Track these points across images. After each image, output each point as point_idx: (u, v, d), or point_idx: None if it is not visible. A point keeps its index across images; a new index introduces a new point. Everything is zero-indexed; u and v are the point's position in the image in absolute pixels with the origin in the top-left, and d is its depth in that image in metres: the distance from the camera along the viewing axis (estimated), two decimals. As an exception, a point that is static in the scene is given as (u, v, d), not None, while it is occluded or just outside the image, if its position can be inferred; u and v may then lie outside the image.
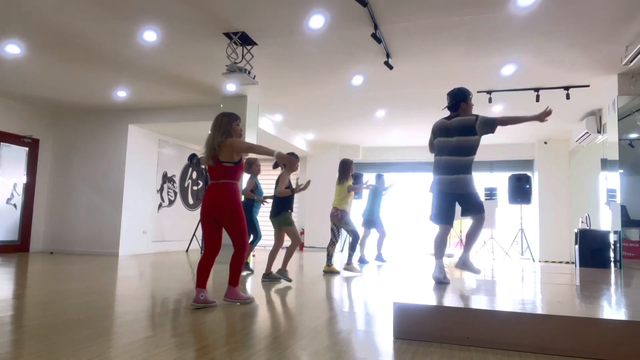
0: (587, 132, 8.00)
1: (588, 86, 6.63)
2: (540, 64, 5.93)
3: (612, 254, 6.31)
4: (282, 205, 5.16)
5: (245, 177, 6.19)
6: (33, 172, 8.82)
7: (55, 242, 8.91)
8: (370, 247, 8.24)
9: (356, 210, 7.30)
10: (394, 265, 7.60)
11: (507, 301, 3.02)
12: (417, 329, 2.62)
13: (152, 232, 9.53)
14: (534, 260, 9.82)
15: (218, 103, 7.85)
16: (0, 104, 8.13)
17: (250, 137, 7.56)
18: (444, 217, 4.02)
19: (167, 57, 6.00)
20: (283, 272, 5.22)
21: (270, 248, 5.35)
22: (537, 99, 6.91)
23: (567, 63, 5.89)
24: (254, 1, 4.48)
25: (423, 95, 7.36)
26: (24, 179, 8.67)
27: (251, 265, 6.31)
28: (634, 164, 6.27)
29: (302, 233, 11.87)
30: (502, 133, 9.40)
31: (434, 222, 4.11)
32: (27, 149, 8.72)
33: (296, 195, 5.39)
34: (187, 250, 10.07)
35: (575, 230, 6.88)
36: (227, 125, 3.67)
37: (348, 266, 6.31)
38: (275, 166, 5.31)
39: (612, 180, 6.50)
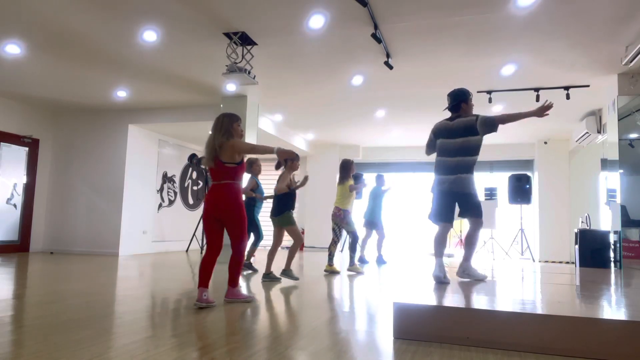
0: (587, 132, 8.00)
1: (588, 86, 6.63)
2: (540, 64, 5.93)
3: (612, 254, 6.31)
4: (284, 204, 5.16)
5: (246, 177, 6.20)
6: (33, 172, 8.82)
7: (55, 242, 8.91)
8: (370, 248, 8.24)
9: (357, 211, 7.30)
10: (394, 266, 7.60)
11: (507, 301, 3.02)
12: (417, 329, 2.62)
13: (152, 232, 9.53)
14: (534, 260, 9.82)
15: (218, 103, 7.85)
16: (0, 104, 8.13)
17: (250, 137, 7.57)
18: (444, 215, 4.04)
19: (167, 57, 6.00)
20: (288, 272, 5.22)
21: (270, 248, 5.36)
22: (537, 99, 6.90)
23: (567, 63, 5.89)
24: (254, 1, 4.48)
25: (423, 95, 7.37)
26: (24, 179, 8.67)
27: (254, 265, 6.31)
28: (634, 164, 6.27)
29: (303, 233, 11.87)
30: (502, 133, 9.38)
31: (433, 221, 4.13)
32: (27, 149, 8.72)
33: (296, 195, 5.39)
34: (187, 250, 10.07)
35: (575, 230, 6.88)
36: (228, 125, 3.67)
37: (351, 267, 6.31)
38: (277, 166, 5.31)
39: (612, 180, 6.50)
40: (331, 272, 6.15)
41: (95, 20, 4.96)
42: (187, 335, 2.65)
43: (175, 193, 10.37)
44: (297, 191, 5.38)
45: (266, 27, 5.06)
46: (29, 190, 8.75)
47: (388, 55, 5.58)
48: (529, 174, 10.46)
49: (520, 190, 9.90)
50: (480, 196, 4.13)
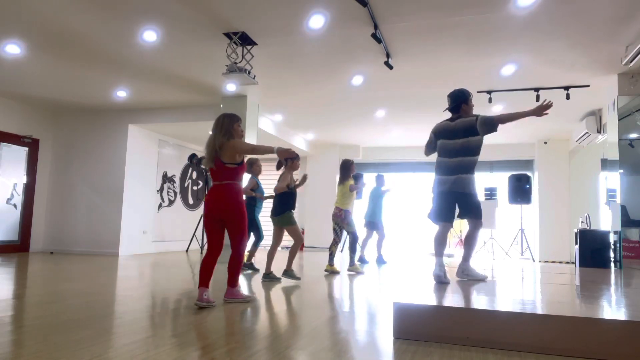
0: (587, 132, 8.00)
1: (588, 86, 6.63)
2: (540, 64, 5.93)
3: (612, 254, 6.31)
4: (285, 204, 5.16)
5: (246, 177, 6.20)
6: (33, 172, 8.82)
7: (55, 242, 8.91)
8: (370, 248, 8.24)
9: (358, 211, 7.32)
10: (394, 266, 7.60)
11: (507, 301, 3.02)
12: (417, 329, 2.62)
13: (152, 232, 9.53)
14: (534, 260, 9.82)
15: (218, 103, 7.85)
16: (0, 104, 8.13)
17: (250, 137, 7.57)
18: (444, 215, 4.05)
19: (167, 57, 6.00)
20: (289, 273, 5.22)
21: (269, 248, 5.36)
22: (537, 99, 6.90)
23: (567, 63, 5.89)
24: (254, 1, 4.48)
25: (423, 95, 7.37)
26: (24, 179, 8.67)
27: (255, 265, 6.32)
28: (634, 164, 6.27)
29: (303, 233, 11.87)
30: (502, 133, 9.38)
31: (432, 221, 4.14)
32: (27, 149, 8.72)
33: (297, 195, 5.39)
34: (187, 250, 10.07)
35: (575, 230, 6.88)
36: (229, 126, 3.68)
37: (351, 267, 6.31)
38: (278, 166, 5.32)
39: (612, 180, 6.50)
40: (331, 272, 6.15)
41: (95, 20, 4.96)
42: (187, 335, 2.65)
43: (175, 193, 10.37)
44: (297, 191, 5.38)
45: (266, 27, 5.06)
46: (29, 190, 8.75)
47: (388, 55, 5.58)
48: (529, 174, 10.46)
49: (520, 190, 9.89)
50: (480, 196, 4.15)
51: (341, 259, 8.48)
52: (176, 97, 7.86)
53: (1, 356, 2.18)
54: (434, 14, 4.63)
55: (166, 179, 10.04)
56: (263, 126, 8.80)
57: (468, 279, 4.03)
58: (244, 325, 2.97)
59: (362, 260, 7.87)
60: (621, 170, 6.22)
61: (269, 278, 5.19)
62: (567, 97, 6.75)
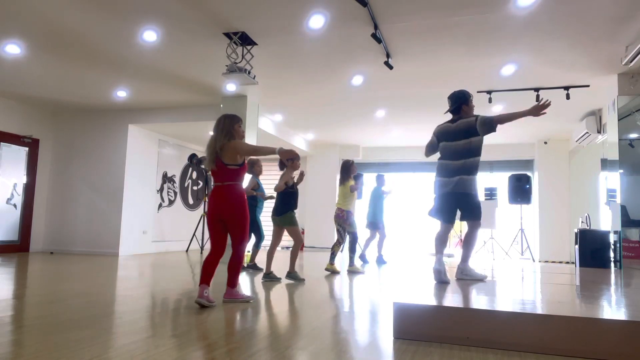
0: (587, 132, 8.00)
1: (588, 86, 6.63)
2: (540, 64, 5.93)
3: (612, 254, 6.31)
4: (286, 204, 5.17)
5: (247, 177, 6.22)
6: (33, 172, 8.82)
7: (55, 242, 8.91)
8: (371, 248, 8.25)
9: (360, 212, 7.34)
10: (394, 266, 7.60)
11: (507, 301, 3.02)
12: (417, 329, 2.62)
13: (152, 232, 9.53)
14: (534, 260, 9.82)
15: (218, 103, 7.85)
16: (0, 104, 8.13)
17: (250, 137, 7.56)
18: (446, 217, 4.08)
19: (167, 57, 6.00)
20: (293, 274, 5.22)
21: (269, 248, 5.37)
22: (537, 99, 6.90)
23: (567, 63, 5.89)
24: (254, 1, 4.48)
25: (423, 95, 7.37)
26: (24, 179, 8.67)
27: (258, 265, 6.33)
28: (634, 164, 6.27)
29: (303, 233, 11.87)
30: (502, 133, 9.39)
31: (433, 217, 4.15)
32: (27, 149, 8.72)
33: (298, 194, 5.40)
34: (187, 250, 10.07)
35: (575, 230, 6.88)
36: (230, 127, 3.69)
37: (351, 267, 6.31)
38: (281, 166, 5.32)
39: (612, 180, 6.50)
40: (332, 271, 6.16)
41: (96, 20, 4.97)
42: (187, 335, 2.65)
43: (175, 193, 10.37)
44: (298, 190, 5.39)
45: (266, 27, 5.06)
46: (29, 190, 8.75)
47: (388, 55, 5.58)
48: (529, 174, 10.46)
49: (520, 190, 9.89)
50: (480, 196, 4.16)
51: (341, 259, 8.47)
52: (176, 97, 7.86)
53: (1, 356, 2.18)
54: (434, 14, 4.63)
55: (166, 179, 10.04)
56: (263, 126, 8.80)
57: (467, 279, 4.03)
58: (244, 325, 2.97)
59: (363, 259, 7.88)
60: (621, 170, 6.22)
61: (269, 278, 5.19)
62: (567, 97, 6.75)
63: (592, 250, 6.40)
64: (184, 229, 10.41)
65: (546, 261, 9.96)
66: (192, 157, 9.84)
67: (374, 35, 4.86)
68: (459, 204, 4.03)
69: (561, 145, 10.37)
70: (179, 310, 3.41)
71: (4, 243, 8.25)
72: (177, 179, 10.44)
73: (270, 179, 9.32)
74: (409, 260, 8.86)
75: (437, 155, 4.25)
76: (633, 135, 6.32)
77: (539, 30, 4.98)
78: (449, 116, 4.28)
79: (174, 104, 8.33)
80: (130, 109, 8.77)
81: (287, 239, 5.48)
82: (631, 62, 5.42)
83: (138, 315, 3.20)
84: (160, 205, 9.82)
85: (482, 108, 7.15)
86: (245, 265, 6.23)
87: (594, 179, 9.73)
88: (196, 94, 7.67)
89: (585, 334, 2.33)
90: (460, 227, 10.02)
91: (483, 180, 10.79)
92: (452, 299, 3.03)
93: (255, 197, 6.13)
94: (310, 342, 2.56)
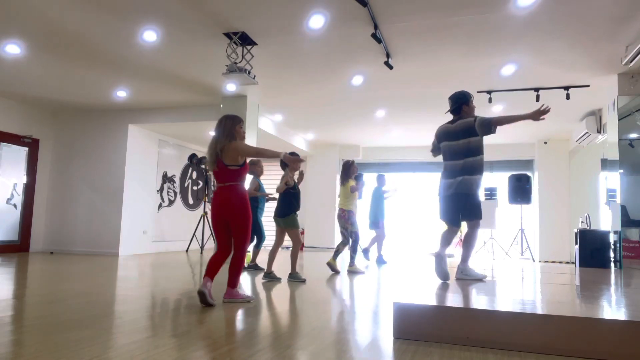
0: (587, 132, 8.00)
1: (588, 86, 6.63)
2: (540, 64, 5.93)
3: (612, 254, 6.31)
4: (288, 205, 5.19)
5: (248, 178, 6.23)
6: (33, 172, 8.82)
7: (55, 242, 8.90)
8: (372, 248, 8.26)
9: (361, 212, 7.39)
10: (394, 266, 7.60)
11: (507, 301, 3.02)
12: (417, 329, 2.62)
13: (152, 232, 9.53)
14: (534, 260, 9.82)
15: (218, 103, 7.85)
16: (0, 104, 8.13)
17: (250, 137, 7.56)
18: (450, 219, 4.16)
19: (167, 57, 6.00)
20: (294, 275, 5.23)
21: (270, 248, 5.37)
22: (537, 99, 6.91)
23: (567, 63, 5.89)
24: (254, 1, 4.48)
25: (423, 95, 7.37)
26: (24, 179, 8.67)
27: (260, 266, 6.33)
28: (634, 164, 6.27)
29: (302, 233, 11.87)
30: (502, 133, 9.39)
31: (442, 220, 4.27)
32: (27, 149, 8.72)
33: (300, 195, 5.42)
34: (187, 250, 10.07)
35: (575, 230, 6.88)
36: (231, 128, 3.70)
37: (351, 267, 6.32)
38: (283, 166, 5.34)
39: (612, 180, 6.50)
40: (332, 266, 6.20)
41: (96, 20, 4.96)
42: (187, 335, 2.65)
43: (175, 193, 10.37)
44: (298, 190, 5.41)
45: (266, 27, 5.06)
46: (29, 190, 8.75)
47: (388, 55, 5.58)
48: (529, 174, 10.46)
49: (520, 190, 9.89)
50: (481, 196, 4.20)
51: (341, 259, 8.47)
52: (176, 97, 7.86)
53: (1, 356, 2.18)
54: (433, 14, 4.63)
55: (166, 179, 10.04)
56: (263, 126, 8.79)
57: (467, 279, 4.04)
58: (244, 325, 2.97)
59: (365, 254, 7.93)
60: (621, 170, 6.22)
61: (270, 277, 5.19)
62: (567, 97, 6.75)
63: (592, 250, 6.40)
64: (184, 229, 10.41)
65: (546, 261, 9.96)
66: (192, 157, 9.84)
67: (374, 35, 4.86)
68: (461, 204, 4.05)
69: (561, 145, 10.37)
70: (179, 310, 3.41)
71: (4, 243, 8.25)
72: (177, 179, 10.44)
73: (271, 179, 9.32)
74: (409, 260, 8.86)
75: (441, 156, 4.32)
76: (633, 135, 6.32)
77: (539, 30, 4.98)
78: (450, 116, 4.30)
79: (174, 104, 8.33)
80: (130, 109, 8.77)
81: (287, 240, 5.49)
82: (631, 62, 5.42)
83: (138, 315, 3.20)
84: (160, 205, 9.81)
85: (482, 108, 7.15)
86: (246, 265, 6.23)
87: (594, 179, 9.73)
88: (196, 94, 7.66)
89: (585, 334, 2.33)
90: (461, 227, 10.01)
91: (483, 180, 10.77)
92: (452, 299, 3.03)
93: (257, 198, 6.14)
94: (310, 342, 2.56)
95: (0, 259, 7.12)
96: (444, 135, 4.19)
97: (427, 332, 2.60)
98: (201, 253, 9.50)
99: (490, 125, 3.94)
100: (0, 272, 5.57)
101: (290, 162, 3.83)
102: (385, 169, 11.40)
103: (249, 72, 5.45)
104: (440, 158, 4.33)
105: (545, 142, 10.47)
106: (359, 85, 6.94)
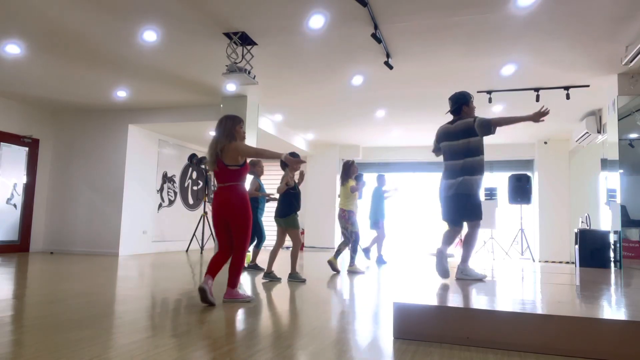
0: (587, 132, 8.00)
1: (588, 86, 6.63)
2: (540, 64, 5.93)
3: (612, 254, 6.31)
4: (290, 205, 5.20)
5: (249, 178, 6.23)
6: (33, 172, 8.82)
7: (55, 242, 8.90)
8: (373, 248, 8.26)
9: (362, 213, 7.41)
10: (394, 266, 7.60)
11: (507, 301, 3.02)
12: (417, 329, 2.62)
13: (152, 232, 9.53)
14: (534, 260, 9.82)
15: (218, 103, 7.85)
16: (0, 104, 8.13)
17: (250, 137, 7.56)
18: (451, 219, 4.19)
19: (167, 57, 6.00)
20: (294, 275, 5.23)
21: (271, 248, 5.38)
22: (537, 99, 6.91)
23: (567, 63, 5.89)
24: (254, 1, 4.48)
25: (423, 95, 7.37)
26: (24, 179, 8.67)
27: (260, 266, 6.33)
28: (634, 164, 6.27)
29: (302, 233, 11.87)
30: (502, 133, 9.38)
31: (444, 220, 4.31)
32: (27, 149, 8.72)
33: (300, 195, 5.44)
34: (187, 250, 10.07)
35: (575, 230, 6.88)
36: (231, 128, 3.71)
37: (351, 267, 6.32)
38: (283, 166, 5.35)
39: (612, 180, 6.50)
40: (332, 265, 6.22)
41: (96, 20, 4.96)
42: (187, 335, 2.65)
43: (175, 193, 10.37)
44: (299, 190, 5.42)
45: (266, 27, 5.06)
46: (29, 190, 8.75)
47: (388, 55, 5.58)
48: (529, 174, 10.46)
49: (520, 190, 9.89)
50: (481, 196, 4.21)
51: (342, 259, 8.47)
52: (176, 97, 7.86)
53: (1, 356, 2.18)
54: (434, 14, 4.63)
55: (166, 179, 10.04)
56: (263, 126, 8.79)
57: (467, 279, 4.04)
58: (244, 325, 2.97)
59: (366, 253, 8.00)
60: (621, 170, 6.22)
61: (270, 277, 5.20)
62: (567, 97, 6.75)
63: (592, 250, 6.40)
64: (184, 229, 10.41)
65: (546, 261, 9.96)
66: (192, 157, 9.84)
67: (374, 35, 4.86)
68: (461, 205, 4.06)
69: (561, 145, 10.37)
70: (179, 310, 3.41)
71: (4, 243, 8.25)
72: (177, 179, 10.44)
73: (271, 179, 9.32)
74: (409, 260, 8.86)
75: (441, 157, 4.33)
76: (633, 135, 6.32)
77: (539, 30, 4.98)
78: (450, 117, 4.31)
79: (174, 104, 8.33)
80: (130, 109, 8.77)
81: (287, 240, 5.50)
82: (631, 62, 5.41)
83: (138, 315, 3.20)
84: (160, 205, 9.82)
85: (482, 108, 7.15)
86: (246, 265, 6.23)
87: (594, 179, 9.73)
88: (196, 94, 7.66)
89: (585, 334, 2.33)
90: (462, 227, 10.01)
91: (483, 180, 10.77)
92: (452, 299, 3.03)
93: (257, 198, 6.14)
94: (311, 341, 2.56)
95: (0, 259, 7.12)
96: (443, 136, 4.21)
97: (427, 332, 2.60)
98: (201, 253, 9.50)
99: (489, 126, 3.95)
100: (0, 272, 5.57)
101: (291, 163, 3.86)
102: (385, 169, 11.40)
103: (249, 72, 5.45)
104: (441, 158, 4.34)
105: (545, 142, 10.47)
106: (359, 85, 6.94)
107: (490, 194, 10.08)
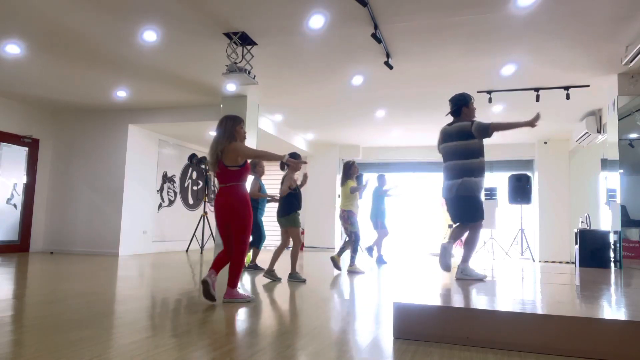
0: (587, 132, 8.00)
1: (588, 86, 6.62)
2: (540, 64, 5.93)
3: (612, 254, 6.31)
4: (290, 204, 5.21)
5: (250, 179, 6.24)
6: (33, 172, 8.82)
7: (55, 242, 8.90)
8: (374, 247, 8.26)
9: (363, 213, 7.43)
10: (394, 266, 7.60)
11: (507, 301, 3.02)
12: (417, 329, 2.62)
13: (152, 232, 9.53)
14: (534, 260, 9.82)
15: (218, 103, 7.85)
16: (0, 104, 8.13)
17: (250, 137, 7.55)
18: (456, 220, 4.22)
19: (167, 57, 6.00)
20: (295, 275, 5.23)
21: (274, 248, 5.38)
22: (537, 99, 6.91)
23: (567, 63, 5.89)
24: (254, 1, 4.48)
25: (423, 95, 7.36)
26: (24, 179, 8.67)
27: (260, 266, 6.34)
28: (634, 164, 6.27)
29: (303, 233, 11.87)
30: (502, 133, 9.39)
31: (452, 221, 4.35)
32: (27, 149, 8.72)
33: (301, 195, 5.46)
34: (187, 250, 10.07)
35: (575, 230, 6.88)
36: (231, 128, 3.72)
37: (351, 267, 6.32)
38: (282, 166, 5.35)
39: (612, 180, 6.50)
40: (335, 263, 6.27)
41: (96, 20, 4.96)
42: (187, 335, 2.65)
43: (175, 193, 10.37)
44: (300, 190, 5.43)
45: (266, 27, 5.06)
46: (29, 190, 8.75)
47: (388, 55, 5.58)
48: (529, 174, 10.46)
49: (520, 190, 9.89)
50: (479, 201, 4.25)
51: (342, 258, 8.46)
52: (176, 97, 7.86)
53: (1, 356, 2.18)
54: (434, 14, 4.63)
55: (166, 179, 10.04)
56: (263, 126, 8.79)
57: (467, 279, 4.04)
58: (244, 325, 2.97)
59: (370, 252, 8.02)
60: (621, 170, 6.22)
61: (270, 275, 5.20)
62: (567, 97, 6.75)
63: (592, 250, 6.40)
64: (184, 229, 10.41)
65: (546, 261, 9.96)
66: (192, 157, 9.84)
67: (374, 35, 4.86)
68: (462, 206, 4.09)
69: (561, 145, 10.37)
70: (179, 310, 3.42)
71: (4, 243, 8.25)
72: (177, 179, 10.44)
73: (272, 180, 9.31)
74: (409, 260, 8.86)
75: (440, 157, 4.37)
76: (633, 135, 6.32)
77: (539, 30, 4.98)
78: (451, 118, 4.34)
79: (174, 104, 8.33)
80: (130, 109, 8.77)
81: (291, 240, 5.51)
82: (631, 62, 5.41)
83: (138, 315, 3.20)
84: (160, 205, 9.81)
85: (482, 108, 7.14)
86: (246, 265, 6.24)
87: (594, 179, 9.73)
88: (196, 94, 7.66)
89: (585, 334, 2.33)
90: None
91: (485, 182, 10.76)
92: (452, 299, 3.03)
93: (257, 198, 6.14)
94: (311, 342, 2.56)
95: (0, 259, 7.12)
96: (442, 137, 4.27)
97: (427, 332, 2.60)
98: (201, 253, 9.50)
99: (487, 130, 4.01)
100: (0, 272, 5.57)
101: (293, 164, 3.88)
102: (385, 169, 11.39)
103: (249, 72, 5.45)
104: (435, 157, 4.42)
105: (545, 142, 10.47)
106: (359, 85, 6.94)
107: (490, 194, 10.08)
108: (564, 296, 3.46)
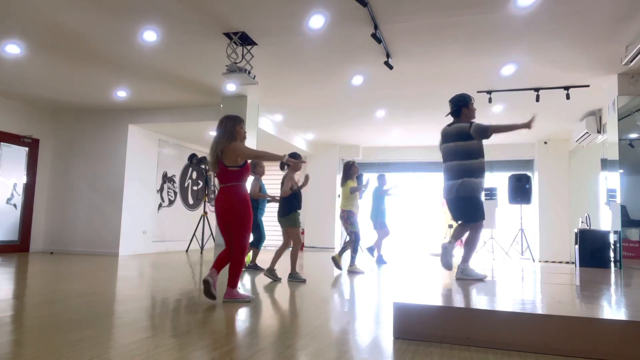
0: (587, 132, 8.00)
1: (588, 86, 6.62)
2: (540, 64, 5.93)
3: (612, 254, 6.31)
4: (290, 204, 5.22)
5: (250, 179, 6.24)
6: (33, 172, 8.82)
7: (55, 242, 8.90)
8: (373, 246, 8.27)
9: (363, 213, 7.43)
10: (394, 266, 7.60)
11: (507, 301, 3.02)
12: (417, 329, 2.62)
13: (152, 232, 9.53)
14: (534, 260, 9.82)
15: (218, 103, 7.85)
16: (0, 104, 8.13)
17: (250, 138, 7.55)
18: (458, 220, 4.25)
19: (167, 57, 6.00)
20: (295, 275, 5.24)
21: (274, 248, 5.38)
22: (537, 99, 6.91)
23: (567, 63, 5.89)
24: (254, 1, 4.48)
25: (423, 95, 7.36)
26: (24, 179, 8.67)
27: (260, 266, 6.34)
28: (634, 164, 6.27)
29: (303, 233, 11.87)
30: (502, 133, 9.37)
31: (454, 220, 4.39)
32: (27, 149, 8.72)
33: (302, 194, 5.47)
34: (187, 250, 10.07)
35: (575, 230, 6.88)
36: (232, 128, 3.73)
37: (351, 267, 6.32)
38: (282, 166, 5.36)
39: (612, 180, 6.50)
40: (336, 262, 6.31)
41: (96, 20, 4.96)
42: (187, 335, 2.65)
43: (175, 193, 10.37)
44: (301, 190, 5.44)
45: (266, 27, 5.06)
46: (29, 190, 8.75)
47: (388, 55, 5.58)
48: (529, 174, 10.46)
49: (520, 190, 9.89)
50: (478, 202, 4.27)
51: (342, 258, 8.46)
52: (176, 97, 7.86)
53: (1, 356, 2.18)
54: (434, 14, 4.63)
55: (166, 179, 10.04)
56: (263, 126, 8.79)
57: (467, 279, 4.04)
58: (244, 325, 2.97)
59: (371, 252, 8.03)
60: (621, 170, 6.22)
61: (271, 275, 5.21)
62: (567, 97, 6.75)
63: (592, 250, 6.40)
64: (184, 229, 10.41)
65: (546, 261, 9.96)
66: (192, 157, 9.84)
67: (374, 35, 4.86)
68: (461, 206, 4.10)
69: (561, 145, 10.37)
70: (179, 310, 3.41)
71: (4, 243, 8.25)
72: (177, 179, 10.44)
73: (272, 180, 9.31)
74: (409, 260, 8.86)
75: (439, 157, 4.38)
76: (633, 135, 6.32)
77: (538, 30, 4.98)
78: (451, 118, 4.35)
79: (174, 104, 8.33)
80: (130, 109, 8.77)
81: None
82: (631, 62, 5.41)
83: (138, 315, 3.20)
84: (160, 205, 9.81)
85: (482, 108, 7.14)
86: (246, 265, 6.24)
87: (594, 179, 9.73)
88: (196, 94, 7.66)
89: (585, 334, 2.33)
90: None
91: (485, 183, 10.76)
92: (452, 299, 3.03)
93: (257, 198, 6.14)
94: (311, 342, 2.56)
95: (0, 259, 7.12)
96: (443, 137, 4.29)
97: (427, 332, 2.60)
98: (201, 253, 9.50)
99: (486, 132, 4.03)
100: (0, 272, 5.57)
101: (293, 164, 3.88)
102: (385, 169, 11.39)
103: (249, 72, 5.45)
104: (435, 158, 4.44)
105: (545, 142, 10.47)
106: (359, 85, 6.94)
107: (490, 194, 10.08)
108: (564, 296, 3.46)
